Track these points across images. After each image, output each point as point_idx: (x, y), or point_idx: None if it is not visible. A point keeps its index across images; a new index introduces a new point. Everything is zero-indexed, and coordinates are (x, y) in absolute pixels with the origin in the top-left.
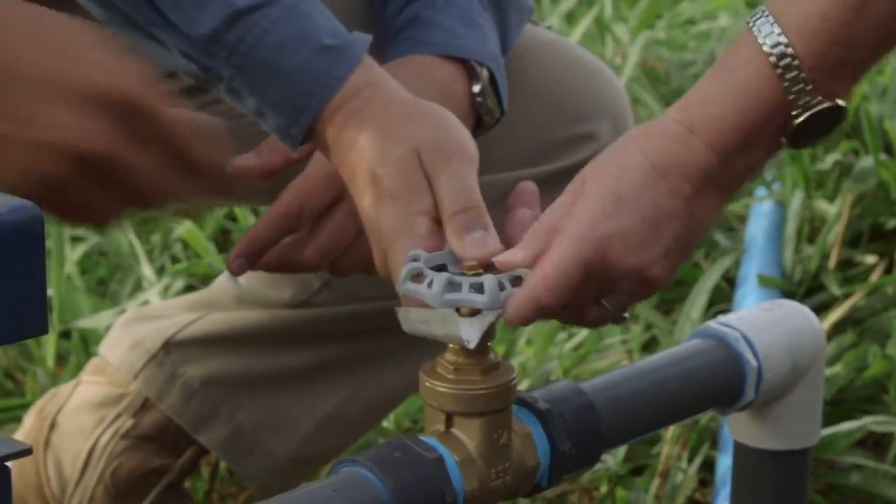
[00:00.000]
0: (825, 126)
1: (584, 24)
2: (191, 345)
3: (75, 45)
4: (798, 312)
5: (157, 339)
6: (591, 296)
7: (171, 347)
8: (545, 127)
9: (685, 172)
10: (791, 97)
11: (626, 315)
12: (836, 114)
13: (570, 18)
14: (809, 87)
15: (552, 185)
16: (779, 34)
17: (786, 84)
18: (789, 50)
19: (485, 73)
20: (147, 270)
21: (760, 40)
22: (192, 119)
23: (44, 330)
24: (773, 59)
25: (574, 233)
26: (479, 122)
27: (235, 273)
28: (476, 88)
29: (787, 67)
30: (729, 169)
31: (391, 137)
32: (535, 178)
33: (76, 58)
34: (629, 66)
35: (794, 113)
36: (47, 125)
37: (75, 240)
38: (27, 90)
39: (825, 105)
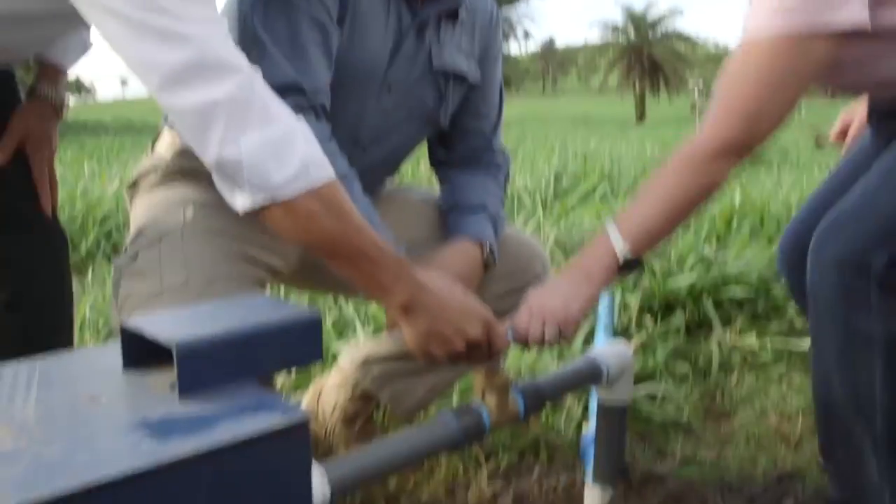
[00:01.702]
0: (636, 266)
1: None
2: (376, 360)
3: (470, 296)
4: (622, 345)
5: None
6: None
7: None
8: (510, 267)
9: (564, 281)
10: (621, 262)
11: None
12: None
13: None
14: (630, 255)
15: (513, 294)
16: (619, 240)
17: (619, 253)
18: (626, 247)
19: (489, 246)
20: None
21: (612, 238)
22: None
23: None
24: (617, 252)
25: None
26: (486, 269)
27: None
28: (486, 254)
29: (624, 255)
30: (596, 279)
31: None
32: (505, 292)
33: (474, 303)
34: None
35: (622, 263)
36: (472, 333)
37: None
38: (463, 317)
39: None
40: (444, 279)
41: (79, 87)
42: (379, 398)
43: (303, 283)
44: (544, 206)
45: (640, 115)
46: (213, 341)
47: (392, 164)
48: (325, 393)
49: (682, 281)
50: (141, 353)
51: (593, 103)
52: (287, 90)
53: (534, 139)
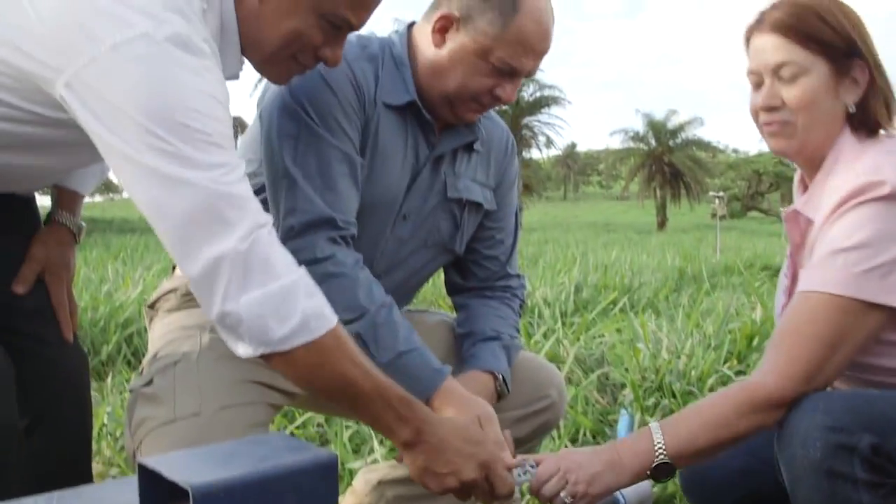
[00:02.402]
0: (670, 472)
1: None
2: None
3: (478, 435)
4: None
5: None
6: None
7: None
8: (527, 392)
9: (597, 460)
10: (655, 464)
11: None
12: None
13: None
14: (668, 462)
15: (529, 419)
16: (661, 445)
17: (657, 457)
18: (665, 455)
19: (501, 377)
20: None
21: (654, 440)
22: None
23: None
24: (655, 455)
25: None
26: (499, 398)
27: None
28: (499, 385)
29: (661, 454)
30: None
31: (465, 411)
32: (520, 417)
33: (482, 444)
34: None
35: (656, 464)
36: (466, 476)
37: None
38: (459, 459)
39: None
40: (459, 418)
41: (106, 184)
42: None
43: (316, 405)
44: (564, 320)
45: (662, 223)
46: (229, 485)
47: (407, 291)
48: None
49: None
50: (158, 490)
51: (615, 209)
52: (321, 224)
53: (555, 247)
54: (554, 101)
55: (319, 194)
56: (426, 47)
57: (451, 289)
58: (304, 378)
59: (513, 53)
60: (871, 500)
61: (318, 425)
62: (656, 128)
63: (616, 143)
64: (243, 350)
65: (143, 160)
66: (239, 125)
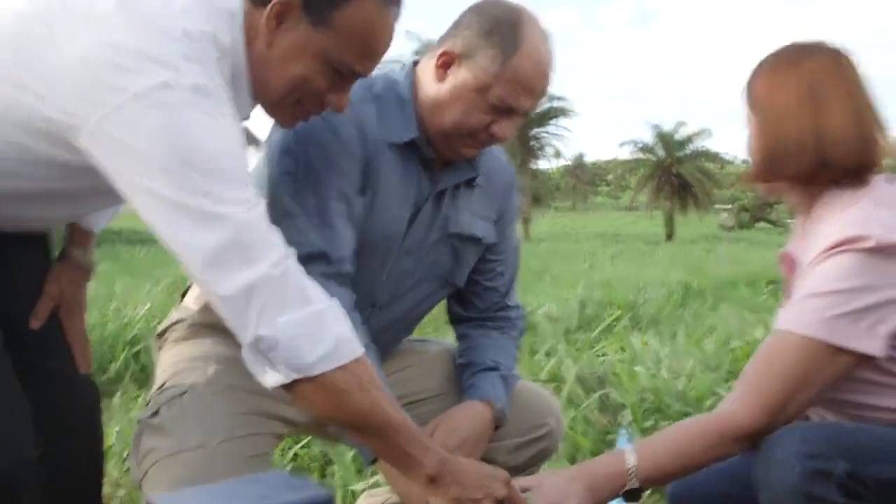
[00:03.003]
0: (638, 495)
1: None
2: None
3: (482, 466)
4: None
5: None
6: None
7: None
8: (524, 422)
9: (578, 487)
10: (629, 486)
11: None
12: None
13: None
14: (637, 485)
15: (527, 447)
16: (634, 470)
17: (629, 481)
18: (637, 479)
19: (499, 406)
20: None
21: (627, 464)
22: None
23: None
24: (627, 478)
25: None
26: (497, 427)
27: None
28: (497, 414)
29: (632, 477)
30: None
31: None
32: (519, 445)
33: (481, 477)
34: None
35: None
36: (496, 490)
37: None
38: (487, 481)
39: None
40: (455, 450)
41: None
42: None
43: (318, 432)
44: (567, 337)
45: (670, 234)
46: None
47: (408, 323)
48: None
49: None
50: None
51: (623, 220)
52: (314, 259)
53: (562, 259)
54: (562, 112)
55: (315, 230)
56: (428, 83)
57: (453, 318)
58: (333, 405)
59: (510, 91)
60: None
61: (323, 445)
62: (665, 139)
63: (625, 154)
64: (272, 378)
65: (172, 198)
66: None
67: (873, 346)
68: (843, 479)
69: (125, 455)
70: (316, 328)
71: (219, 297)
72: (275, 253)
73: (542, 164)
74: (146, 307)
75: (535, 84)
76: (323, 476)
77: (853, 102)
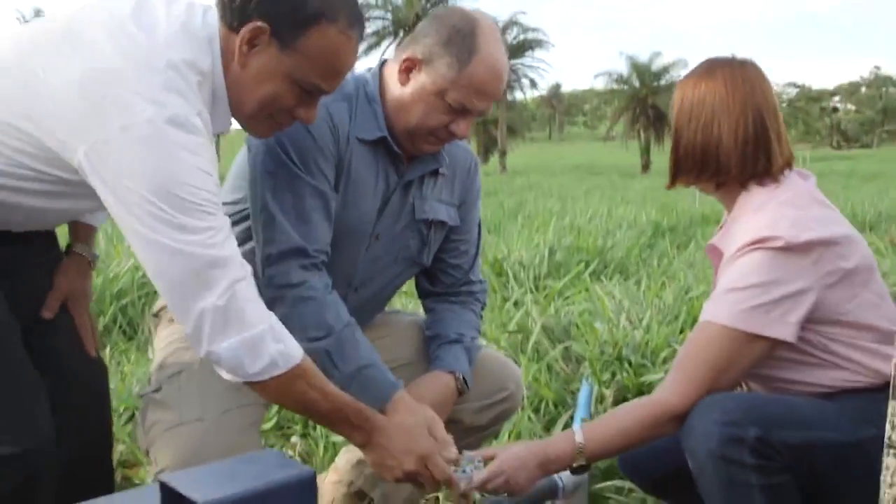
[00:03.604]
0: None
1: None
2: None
3: (421, 435)
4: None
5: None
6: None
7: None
8: (487, 385)
9: (532, 461)
10: (576, 463)
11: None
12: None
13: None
14: (585, 462)
15: (490, 408)
16: (581, 448)
17: (577, 458)
18: (583, 457)
19: (462, 376)
20: None
21: (576, 443)
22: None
23: None
24: (575, 456)
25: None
26: (460, 394)
27: None
28: (459, 382)
29: (580, 455)
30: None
31: (413, 417)
32: (482, 406)
33: (422, 441)
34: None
35: (574, 466)
36: (407, 467)
37: None
38: (401, 454)
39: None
40: (407, 420)
41: None
42: (371, 496)
43: None
44: (536, 285)
45: (646, 165)
46: (233, 499)
47: (381, 301)
48: (324, 489)
49: (655, 375)
50: (175, 499)
51: (600, 151)
52: (293, 254)
53: (536, 195)
54: (538, 43)
55: (294, 227)
56: (393, 85)
57: (421, 293)
58: (277, 399)
59: (466, 95)
60: (758, 480)
61: None
62: (640, 70)
63: (601, 85)
64: (226, 376)
65: (143, 228)
66: None
67: (785, 331)
68: (754, 444)
69: (122, 410)
70: (253, 349)
71: (178, 317)
72: (224, 282)
73: (518, 95)
74: (130, 262)
75: (488, 88)
76: (306, 426)
77: (743, 116)
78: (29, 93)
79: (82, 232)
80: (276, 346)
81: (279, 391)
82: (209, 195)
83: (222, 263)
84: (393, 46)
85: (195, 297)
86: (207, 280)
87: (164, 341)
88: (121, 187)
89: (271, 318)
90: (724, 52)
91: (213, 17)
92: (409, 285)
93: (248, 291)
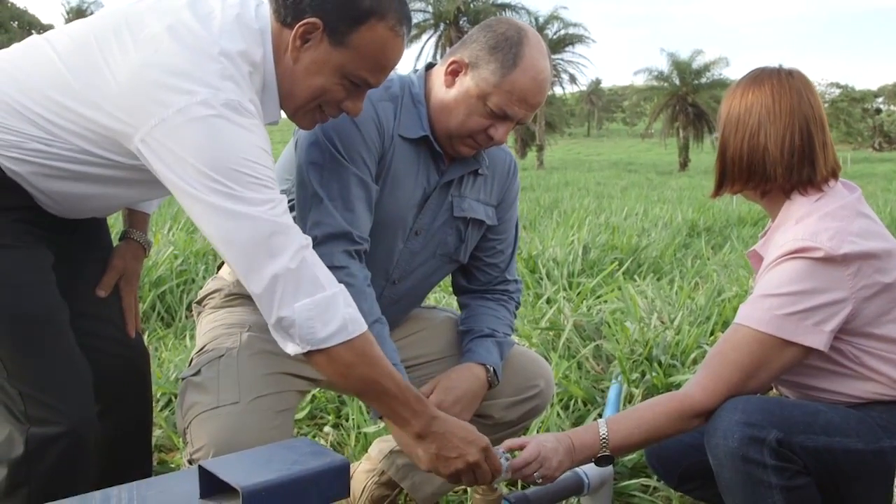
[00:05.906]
0: (610, 461)
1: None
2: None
3: (472, 430)
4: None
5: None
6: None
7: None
8: (517, 382)
9: (561, 448)
10: (600, 454)
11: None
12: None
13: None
14: (608, 452)
15: (519, 405)
16: (605, 441)
17: (601, 449)
18: (607, 448)
19: (492, 369)
20: None
21: (601, 436)
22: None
23: None
24: (599, 448)
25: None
26: (490, 387)
27: None
28: (490, 375)
29: (604, 446)
30: (577, 457)
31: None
32: (512, 403)
33: (475, 434)
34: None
35: (600, 455)
36: (471, 458)
37: None
38: (464, 445)
39: (611, 456)
40: (452, 412)
41: None
42: (402, 485)
43: (335, 388)
44: (569, 283)
45: (684, 163)
46: (271, 485)
47: (418, 295)
48: (356, 477)
49: (684, 375)
50: (213, 484)
51: (638, 148)
52: (339, 238)
53: (573, 191)
54: (578, 38)
55: (340, 212)
56: (438, 87)
57: (457, 290)
58: (340, 374)
59: (507, 101)
60: (778, 480)
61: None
62: (681, 67)
63: (640, 81)
64: (292, 349)
65: (208, 200)
66: None
67: (817, 340)
68: (774, 445)
69: (158, 396)
70: (325, 310)
71: (249, 284)
72: (293, 246)
73: (557, 91)
74: (170, 249)
75: (529, 97)
76: (338, 416)
77: (789, 126)
78: (93, 81)
79: (137, 219)
80: (347, 309)
81: (345, 361)
82: (266, 170)
83: (287, 230)
84: (433, 39)
85: (265, 264)
86: (275, 246)
87: (206, 327)
88: (180, 165)
89: (341, 285)
90: (765, 48)
91: (266, 11)
92: (446, 281)
93: (316, 258)
